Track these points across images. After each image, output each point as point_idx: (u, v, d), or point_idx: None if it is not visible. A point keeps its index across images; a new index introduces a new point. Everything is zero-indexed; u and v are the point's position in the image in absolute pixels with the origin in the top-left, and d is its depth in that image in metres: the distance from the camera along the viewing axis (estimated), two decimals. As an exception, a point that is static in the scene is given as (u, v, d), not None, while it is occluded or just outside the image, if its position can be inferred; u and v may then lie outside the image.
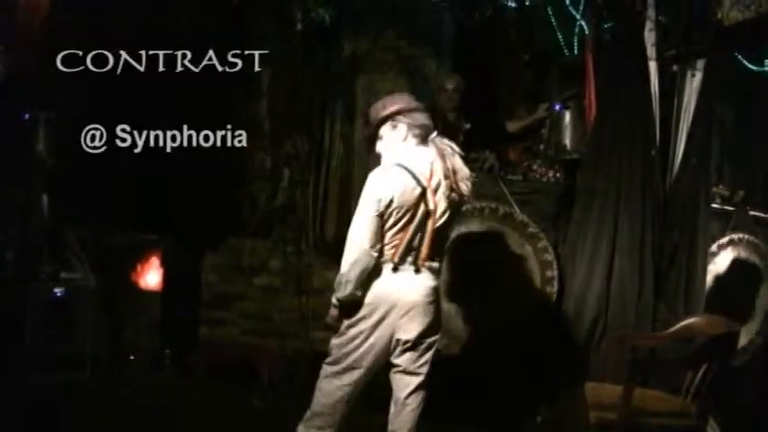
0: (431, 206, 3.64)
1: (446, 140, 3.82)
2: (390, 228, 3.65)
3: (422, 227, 3.67)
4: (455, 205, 3.77)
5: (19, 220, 5.62)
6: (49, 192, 5.64)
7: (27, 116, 5.59)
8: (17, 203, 5.64)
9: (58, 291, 5.54)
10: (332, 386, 3.75)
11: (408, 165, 3.68)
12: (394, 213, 3.63)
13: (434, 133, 3.80)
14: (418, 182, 3.65)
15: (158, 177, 5.81)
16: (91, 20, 5.71)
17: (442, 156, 3.73)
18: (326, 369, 3.79)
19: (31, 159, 5.60)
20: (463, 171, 3.80)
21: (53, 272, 5.58)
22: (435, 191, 3.67)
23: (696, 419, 3.90)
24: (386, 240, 3.67)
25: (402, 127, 3.79)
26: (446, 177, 3.69)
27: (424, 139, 3.78)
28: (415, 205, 3.65)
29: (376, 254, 3.64)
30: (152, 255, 6.03)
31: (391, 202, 3.61)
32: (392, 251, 3.67)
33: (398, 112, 3.80)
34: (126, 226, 5.92)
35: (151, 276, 6.03)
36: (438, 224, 3.69)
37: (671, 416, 3.90)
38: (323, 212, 6.14)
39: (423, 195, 3.65)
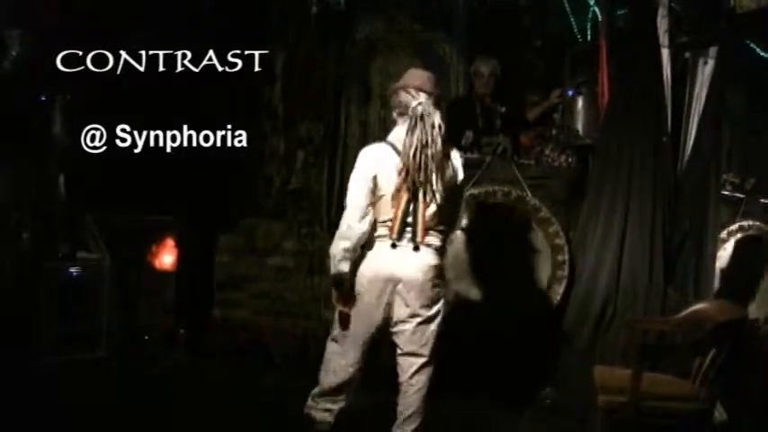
0: (414, 181, 3.63)
1: (429, 111, 3.67)
2: (383, 203, 3.68)
3: (414, 203, 3.68)
4: (444, 181, 3.72)
5: (36, 200, 5.66)
6: (66, 172, 5.69)
7: (44, 98, 5.64)
8: (34, 184, 5.69)
9: (73, 270, 5.59)
10: (339, 365, 3.78)
11: (395, 141, 3.73)
12: (383, 188, 3.67)
13: (414, 103, 3.69)
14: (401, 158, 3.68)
15: (174, 159, 5.76)
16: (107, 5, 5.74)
17: (419, 129, 3.64)
18: (332, 346, 3.83)
19: (49, 140, 5.65)
20: (438, 146, 3.66)
21: (69, 251, 5.63)
22: (419, 167, 3.62)
23: (704, 404, 3.92)
24: (382, 217, 3.69)
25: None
26: (429, 151, 3.62)
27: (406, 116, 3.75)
28: (402, 180, 3.66)
29: (365, 228, 3.66)
30: (167, 236, 6.08)
31: (375, 176, 3.66)
32: (389, 227, 3.69)
33: (389, 97, 3.90)
34: (141, 207, 5.92)
35: (166, 257, 6.09)
36: (429, 200, 3.69)
37: (679, 400, 3.91)
38: (338, 195, 6.16)
39: (407, 171, 3.65)
